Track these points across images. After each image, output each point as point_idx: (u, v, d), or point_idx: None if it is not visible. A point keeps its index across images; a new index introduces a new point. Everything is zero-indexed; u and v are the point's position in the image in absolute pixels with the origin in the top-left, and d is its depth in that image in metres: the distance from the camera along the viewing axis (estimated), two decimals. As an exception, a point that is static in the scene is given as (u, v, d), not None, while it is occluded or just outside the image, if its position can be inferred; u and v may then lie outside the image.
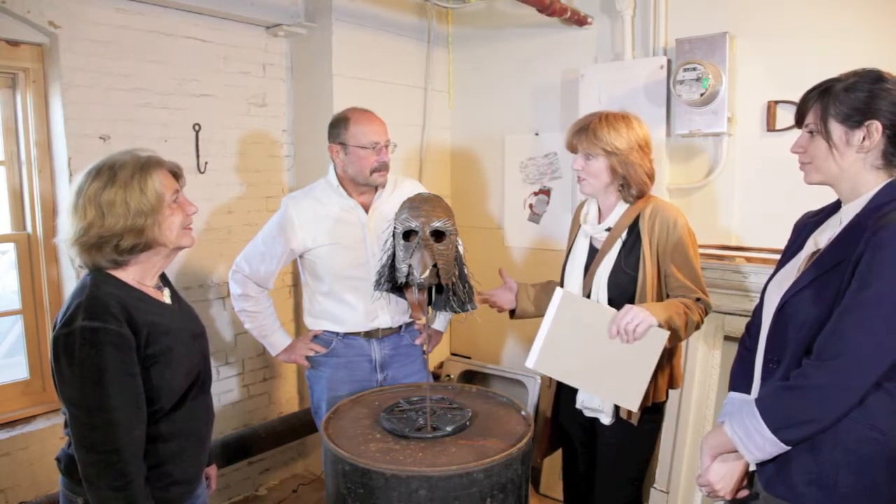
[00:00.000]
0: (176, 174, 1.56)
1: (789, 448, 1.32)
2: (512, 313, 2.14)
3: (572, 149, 1.99)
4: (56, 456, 1.51)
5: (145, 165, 1.46)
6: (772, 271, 1.58)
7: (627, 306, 1.77)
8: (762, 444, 1.33)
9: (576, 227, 2.12)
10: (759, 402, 1.35)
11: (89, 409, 1.35)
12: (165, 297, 1.58)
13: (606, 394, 1.86)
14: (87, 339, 1.34)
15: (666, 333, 1.76)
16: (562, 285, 2.07)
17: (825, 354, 1.27)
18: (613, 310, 1.80)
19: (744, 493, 1.48)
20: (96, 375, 1.34)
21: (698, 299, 1.89)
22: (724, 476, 1.45)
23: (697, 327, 1.89)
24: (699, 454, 1.51)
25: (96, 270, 1.45)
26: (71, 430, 1.38)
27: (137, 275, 1.50)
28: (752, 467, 1.44)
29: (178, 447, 1.52)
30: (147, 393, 1.42)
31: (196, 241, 1.62)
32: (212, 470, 1.85)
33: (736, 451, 1.41)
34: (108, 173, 1.42)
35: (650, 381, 1.89)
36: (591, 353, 1.79)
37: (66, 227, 1.43)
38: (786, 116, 2.53)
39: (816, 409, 1.28)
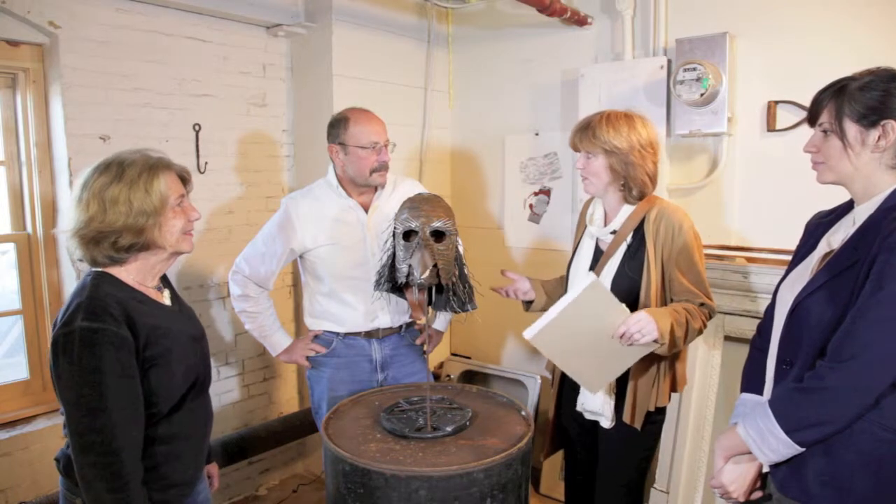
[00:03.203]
0: (184, 179, 1.56)
1: (803, 450, 1.31)
2: (527, 305, 2.13)
3: (575, 148, 1.99)
4: (55, 456, 1.50)
5: (154, 166, 1.46)
6: (774, 271, 1.58)
7: (641, 314, 1.75)
8: (776, 445, 1.32)
9: (582, 225, 2.12)
10: (773, 404, 1.35)
11: (87, 410, 1.34)
12: (165, 298, 1.57)
13: (578, 376, 1.87)
14: (86, 340, 1.33)
15: (656, 346, 1.77)
16: (566, 286, 2.07)
17: (840, 356, 1.27)
18: (628, 311, 1.78)
19: (757, 494, 1.47)
20: (94, 376, 1.33)
21: (702, 304, 1.88)
22: (738, 478, 1.45)
23: (700, 332, 1.88)
24: (705, 455, 1.51)
25: (97, 270, 1.46)
26: (68, 431, 1.37)
27: (138, 275, 1.49)
28: (766, 469, 1.43)
29: (176, 449, 1.51)
30: (144, 395, 1.42)
31: (196, 243, 1.62)
32: (213, 468, 1.84)
33: (749, 453, 1.40)
34: (116, 170, 1.43)
35: (653, 386, 1.90)
36: (587, 341, 1.79)
37: (69, 218, 1.43)
38: (786, 116, 2.53)
39: (831, 410, 1.27)
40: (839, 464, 1.30)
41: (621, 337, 1.74)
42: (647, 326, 1.72)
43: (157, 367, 1.43)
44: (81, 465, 1.35)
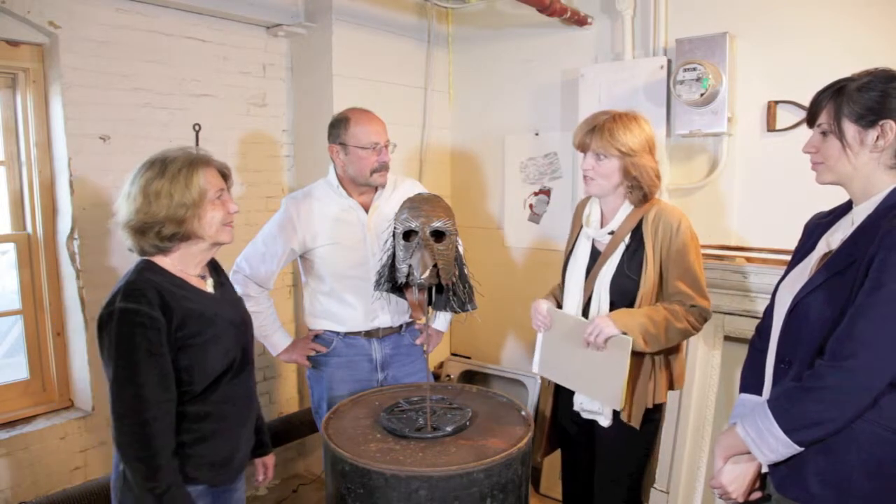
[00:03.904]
0: (224, 174, 1.67)
1: (802, 449, 1.31)
2: None
3: (583, 148, 1.96)
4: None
5: (194, 162, 1.58)
6: (774, 271, 1.58)
7: (594, 318, 1.86)
8: (775, 445, 1.32)
9: (577, 226, 2.11)
10: (772, 403, 1.35)
11: (121, 383, 1.47)
12: (208, 286, 1.68)
13: (594, 395, 1.95)
14: (122, 319, 1.47)
15: (629, 340, 1.79)
16: (562, 287, 2.08)
17: (839, 355, 1.27)
18: (585, 321, 1.90)
19: (756, 494, 1.47)
20: (128, 352, 1.46)
21: (693, 305, 1.88)
22: (737, 478, 1.45)
23: (687, 334, 1.89)
24: (705, 455, 1.51)
25: (143, 259, 1.59)
26: (109, 401, 1.50)
27: (180, 263, 1.62)
28: (765, 469, 1.43)
29: (210, 429, 1.60)
30: (178, 373, 1.53)
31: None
32: (269, 460, 1.94)
33: (749, 453, 1.40)
34: (160, 166, 1.56)
35: (649, 383, 1.90)
36: (577, 360, 1.92)
37: (121, 211, 1.57)
38: (786, 116, 2.53)
39: (830, 410, 1.27)
40: (839, 463, 1.29)
41: (588, 344, 1.84)
42: (598, 325, 1.81)
43: (191, 347, 1.55)
44: (117, 433, 1.48)
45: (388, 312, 2.30)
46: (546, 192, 3.30)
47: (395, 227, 1.84)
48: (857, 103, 1.34)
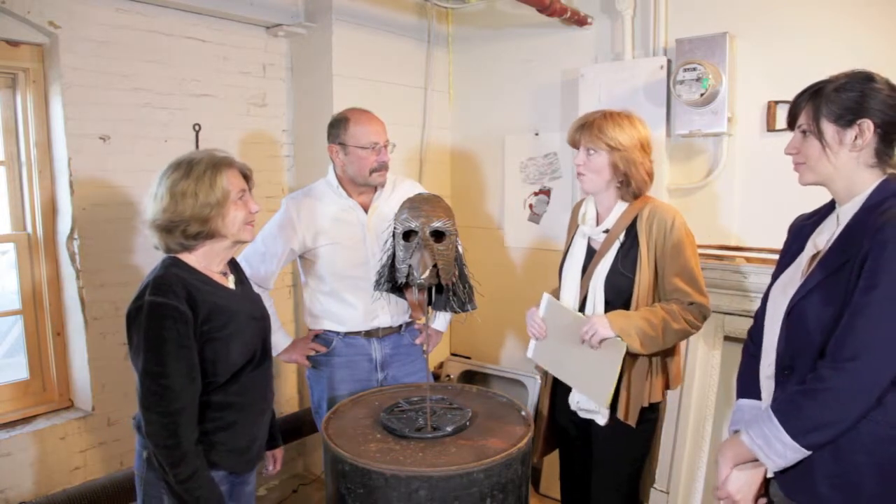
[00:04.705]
0: (246, 175, 1.74)
1: (810, 453, 1.31)
2: None
3: (574, 144, 1.99)
4: (133, 415, 1.68)
5: (218, 164, 1.65)
6: (772, 272, 1.58)
7: (591, 316, 1.88)
8: (783, 451, 1.32)
9: (574, 226, 2.12)
10: (777, 409, 1.34)
11: (150, 375, 1.52)
12: (230, 282, 1.75)
13: (583, 390, 1.96)
14: (151, 312, 1.52)
15: (623, 344, 1.80)
16: (559, 286, 2.08)
17: (840, 356, 1.27)
18: (584, 318, 1.90)
19: (762, 501, 1.46)
20: (157, 344, 1.52)
21: (692, 303, 1.88)
22: (744, 486, 1.43)
23: (686, 333, 1.89)
24: (705, 455, 1.50)
25: (169, 255, 1.65)
26: (137, 392, 1.56)
27: (204, 260, 1.68)
28: (770, 474, 1.42)
29: (232, 417, 1.67)
30: (203, 365, 1.59)
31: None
32: (279, 452, 2.00)
33: (754, 460, 1.39)
34: (186, 167, 1.62)
35: (646, 381, 1.91)
36: (570, 353, 1.94)
37: (147, 210, 1.63)
38: (786, 116, 2.53)
39: (836, 411, 1.27)
40: (848, 465, 1.29)
41: (584, 342, 1.85)
42: (595, 325, 1.82)
43: (216, 340, 1.61)
44: (146, 422, 1.54)
45: (387, 312, 2.31)
46: (546, 192, 3.30)
47: (394, 228, 1.84)
48: (835, 103, 1.36)
